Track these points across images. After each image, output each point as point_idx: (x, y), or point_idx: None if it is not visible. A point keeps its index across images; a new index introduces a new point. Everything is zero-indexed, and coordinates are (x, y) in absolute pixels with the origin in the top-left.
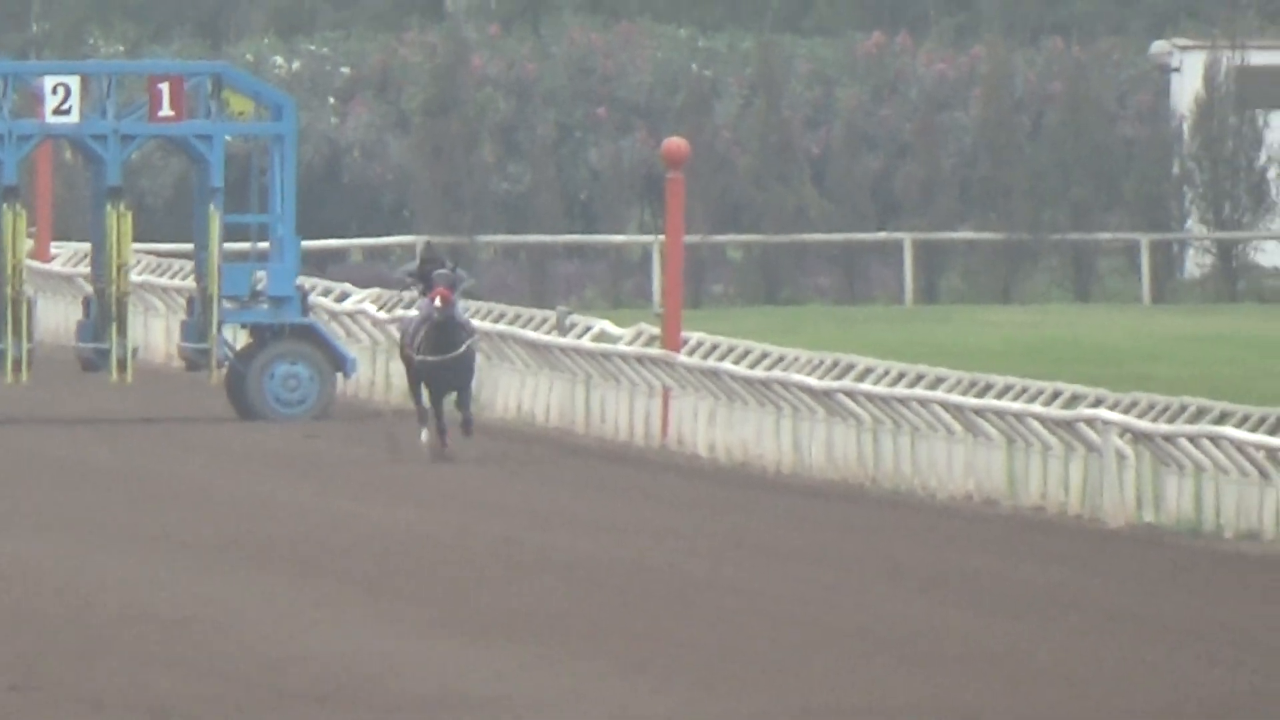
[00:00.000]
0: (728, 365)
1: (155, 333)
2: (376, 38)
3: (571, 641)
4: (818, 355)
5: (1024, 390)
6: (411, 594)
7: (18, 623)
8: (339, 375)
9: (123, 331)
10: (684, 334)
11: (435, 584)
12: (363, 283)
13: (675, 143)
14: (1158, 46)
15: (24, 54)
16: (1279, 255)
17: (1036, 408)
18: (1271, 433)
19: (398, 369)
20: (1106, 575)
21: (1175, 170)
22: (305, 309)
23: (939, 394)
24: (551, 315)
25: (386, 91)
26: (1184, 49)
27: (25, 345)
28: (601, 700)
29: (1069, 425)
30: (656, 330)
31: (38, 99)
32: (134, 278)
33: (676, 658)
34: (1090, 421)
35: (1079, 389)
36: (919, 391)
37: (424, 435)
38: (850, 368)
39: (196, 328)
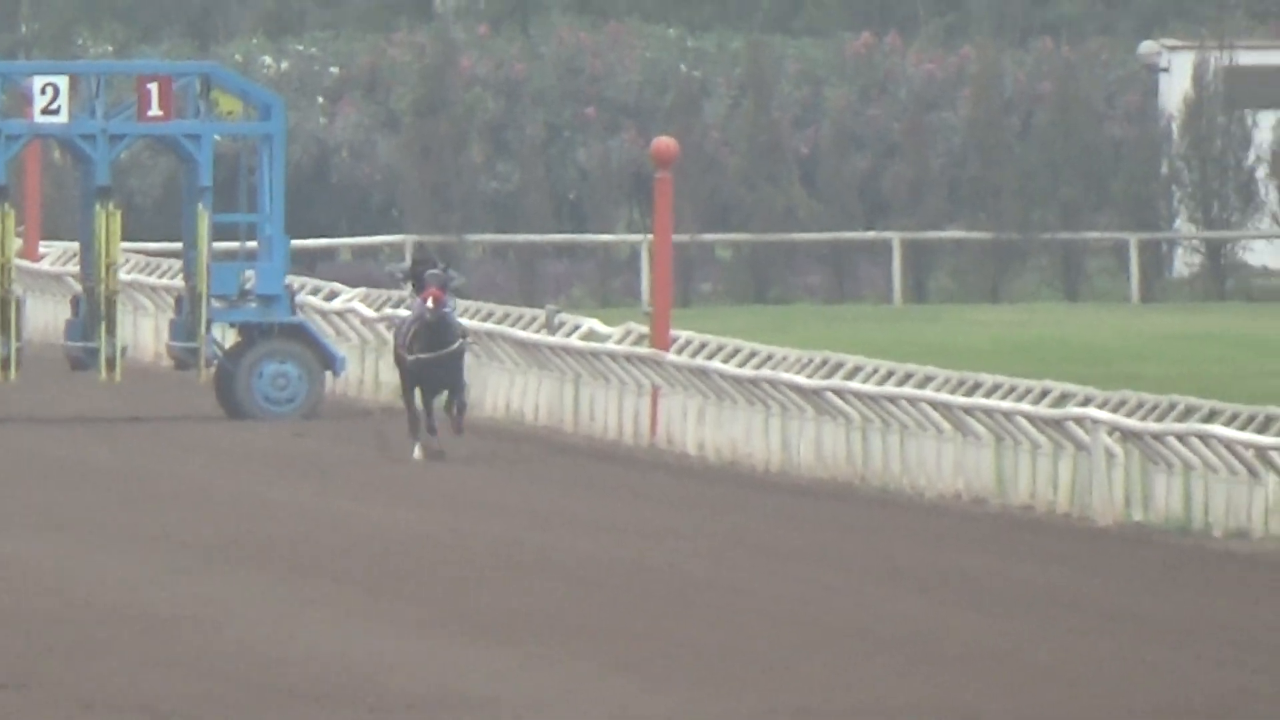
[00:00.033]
0: (716, 364)
1: (144, 332)
2: (365, 38)
3: (570, 641)
4: (806, 354)
5: (1013, 389)
6: (409, 594)
7: (14, 622)
8: (328, 374)
9: (111, 330)
10: (673, 333)
11: (433, 584)
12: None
13: (664, 142)
14: (1146, 47)
15: (13, 54)
16: (1267, 255)
17: (1025, 406)
18: (1260, 431)
19: (387, 367)
20: (1099, 574)
21: (1164, 170)
22: (293, 308)
23: (928, 393)
24: (540, 314)
25: (375, 91)
26: (1172, 49)
27: (14, 344)
28: (600, 700)
29: (1058, 424)
30: (645, 329)
31: (26, 99)
32: (123, 277)
33: (676, 657)
34: (1079, 420)
35: (1068, 388)
36: (908, 390)
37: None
38: (839, 366)
39: (185, 327)
